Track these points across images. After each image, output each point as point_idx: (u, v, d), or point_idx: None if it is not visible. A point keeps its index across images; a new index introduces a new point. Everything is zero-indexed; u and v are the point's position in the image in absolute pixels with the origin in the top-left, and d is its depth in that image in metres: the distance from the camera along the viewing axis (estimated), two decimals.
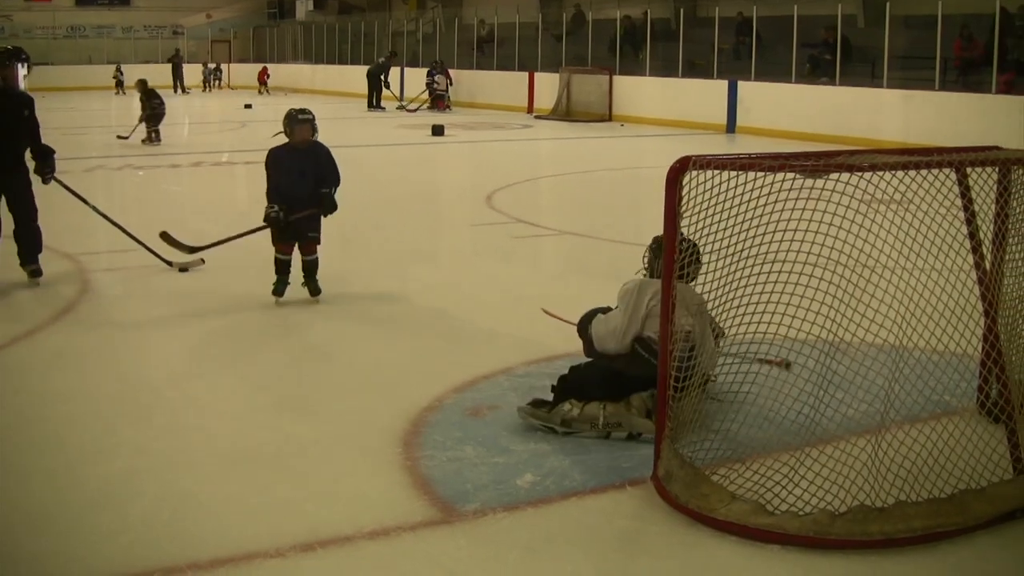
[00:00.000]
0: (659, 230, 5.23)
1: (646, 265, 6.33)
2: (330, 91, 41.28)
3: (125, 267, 10.33)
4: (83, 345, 7.90)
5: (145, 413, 6.35)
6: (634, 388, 6.03)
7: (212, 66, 48.71)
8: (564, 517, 5.00)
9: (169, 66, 46.21)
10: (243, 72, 48.51)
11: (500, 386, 6.72)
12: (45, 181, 9.71)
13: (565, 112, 28.61)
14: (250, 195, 16.72)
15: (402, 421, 6.06)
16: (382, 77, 34.18)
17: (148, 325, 8.49)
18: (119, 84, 44.30)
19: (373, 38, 42.60)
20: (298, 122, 8.84)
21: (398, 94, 34.80)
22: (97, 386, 6.91)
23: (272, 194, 8.84)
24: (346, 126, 28.58)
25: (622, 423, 5.86)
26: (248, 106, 34.45)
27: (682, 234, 5.21)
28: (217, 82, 48.29)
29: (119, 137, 21.97)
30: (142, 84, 22.17)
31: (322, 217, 8.95)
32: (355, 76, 38.20)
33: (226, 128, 28.60)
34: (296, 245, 8.96)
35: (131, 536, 4.71)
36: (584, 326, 6.39)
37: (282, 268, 8.97)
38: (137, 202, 14.94)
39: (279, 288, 8.96)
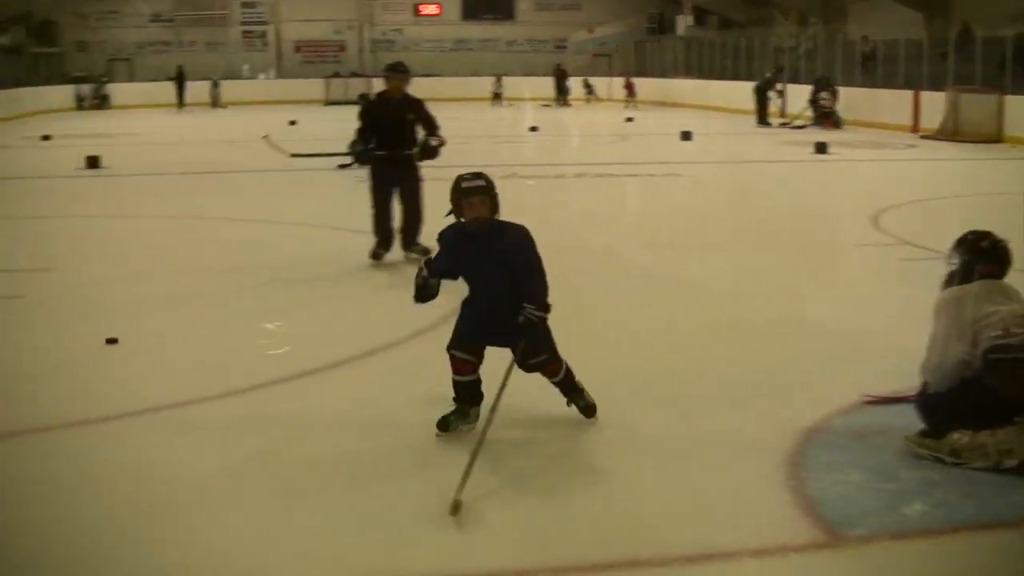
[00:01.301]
0: None
1: (952, 271, 5.92)
2: (710, 106, 41.23)
3: None
4: None
5: None
6: (1016, 406, 5.55)
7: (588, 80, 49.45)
8: (954, 552, 4.84)
9: (551, 79, 47.39)
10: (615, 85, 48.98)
11: (888, 411, 6.53)
12: (421, 157, 11.10)
13: (952, 132, 27.59)
14: (633, 207, 17.03)
15: (787, 440, 6.00)
16: (769, 92, 33.84)
17: None
18: (496, 96, 45.77)
19: (754, 53, 42.30)
20: (465, 193, 6.01)
21: (781, 110, 34.35)
22: None
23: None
24: (730, 142, 28.58)
25: (1013, 450, 5.53)
26: (630, 119, 34.85)
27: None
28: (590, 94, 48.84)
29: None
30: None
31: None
32: (736, 92, 38.07)
33: (606, 141, 29.05)
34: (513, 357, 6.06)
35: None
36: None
37: (461, 394, 6.19)
38: (519, 208, 15.32)
39: (449, 420, 6.15)
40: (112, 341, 8.06)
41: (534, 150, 26.49)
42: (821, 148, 23.48)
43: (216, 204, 16.43)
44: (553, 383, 6.25)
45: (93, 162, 21.23)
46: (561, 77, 47.64)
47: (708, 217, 15.17)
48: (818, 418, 6.34)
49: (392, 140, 10.98)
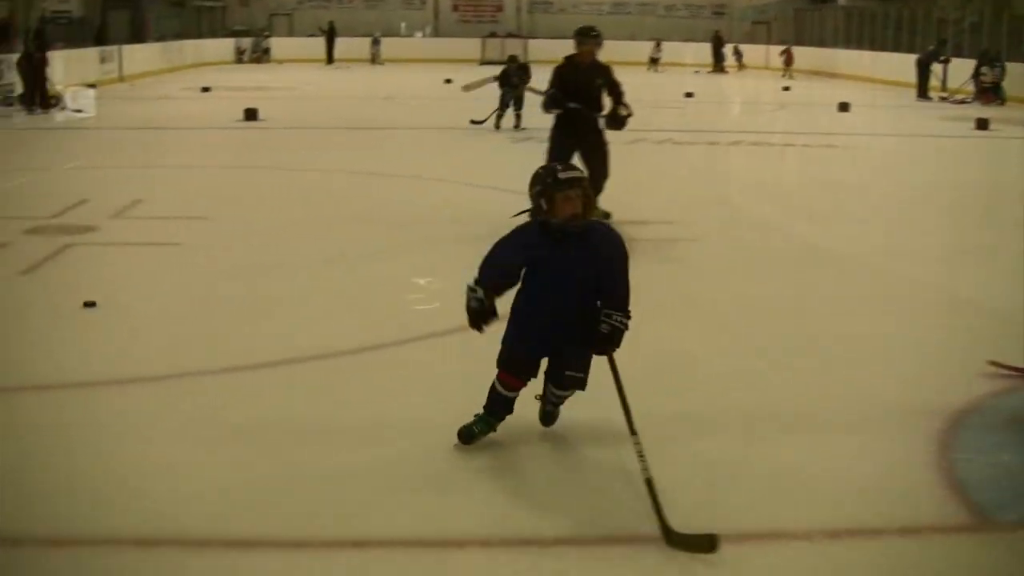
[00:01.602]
0: None
1: None
2: (869, 77, 40.42)
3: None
4: None
5: None
6: None
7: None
8: None
9: (709, 45, 47.05)
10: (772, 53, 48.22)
11: None
12: (610, 126, 10.99)
13: None
14: (788, 177, 16.81)
15: (937, 420, 5.88)
16: (932, 65, 33.02)
17: None
18: (653, 61, 45.51)
19: (917, 25, 41.34)
20: (561, 185, 5.13)
21: (943, 84, 33.47)
22: None
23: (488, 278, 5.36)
24: (889, 114, 28.02)
25: None
26: (787, 88, 34.39)
27: None
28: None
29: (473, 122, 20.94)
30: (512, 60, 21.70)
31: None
32: (896, 64, 37.28)
33: (763, 110, 28.75)
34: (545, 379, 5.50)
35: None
36: None
37: (497, 407, 5.44)
38: (674, 175, 15.27)
39: (473, 431, 5.44)
40: (90, 304, 8.01)
41: (689, 116, 26.27)
42: (982, 124, 22.88)
43: (370, 159, 16.59)
44: (556, 394, 5.48)
45: (251, 114, 21.61)
46: (718, 44, 47.18)
47: (864, 190, 14.90)
48: (970, 399, 6.21)
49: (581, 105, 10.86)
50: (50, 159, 16.36)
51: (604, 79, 11.00)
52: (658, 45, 47.00)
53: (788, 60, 43.93)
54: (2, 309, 8.15)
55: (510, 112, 20.28)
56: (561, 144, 10.90)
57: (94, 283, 8.83)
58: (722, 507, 4.76)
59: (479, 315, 5.27)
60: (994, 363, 6.62)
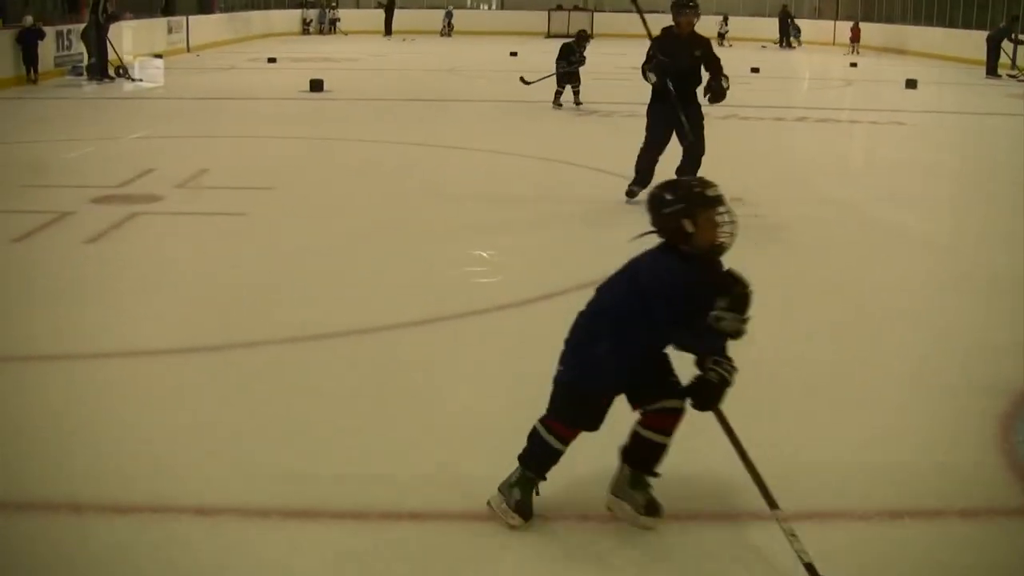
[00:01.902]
0: None
1: None
2: (938, 54, 39.90)
3: None
4: None
5: None
6: None
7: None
8: None
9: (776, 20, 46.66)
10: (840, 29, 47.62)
11: None
12: (712, 100, 10.96)
13: None
14: (857, 154, 16.65)
15: (1001, 402, 5.82)
16: (1001, 43, 32.50)
17: None
18: (721, 36, 45.18)
19: (987, 1, 40.76)
20: (713, 203, 4.29)
21: (1012, 61, 32.94)
22: None
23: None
24: (957, 92, 27.66)
25: None
26: (854, 65, 34.09)
27: None
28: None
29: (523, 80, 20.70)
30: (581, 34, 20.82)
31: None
32: (966, 40, 36.80)
33: (830, 86, 28.52)
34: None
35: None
36: None
37: (549, 464, 4.42)
38: (739, 153, 15.18)
39: (531, 507, 4.41)
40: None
41: (756, 92, 26.08)
42: None
43: (434, 132, 16.59)
44: (649, 438, 4.40)
45: (317, 85, 21.69)
46: (786, 19, 46.73)
47: (932, 169, 14.72)
48: None
49: (679, 79, 10.69)
50: (117, 128, 16.51)
51: (703, 51, 10.84)
52: (725, 20, 46.59)
53: (855, 36, 43.44)
54: (68, 277, 8.24)
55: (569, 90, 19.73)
56: (656, 128, 10.88)
57: (160, 252, 8.95)
58: (781, 488, 4.74)
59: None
60: None
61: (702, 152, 10.72)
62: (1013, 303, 7.98)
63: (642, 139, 10.98)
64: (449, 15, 49.36)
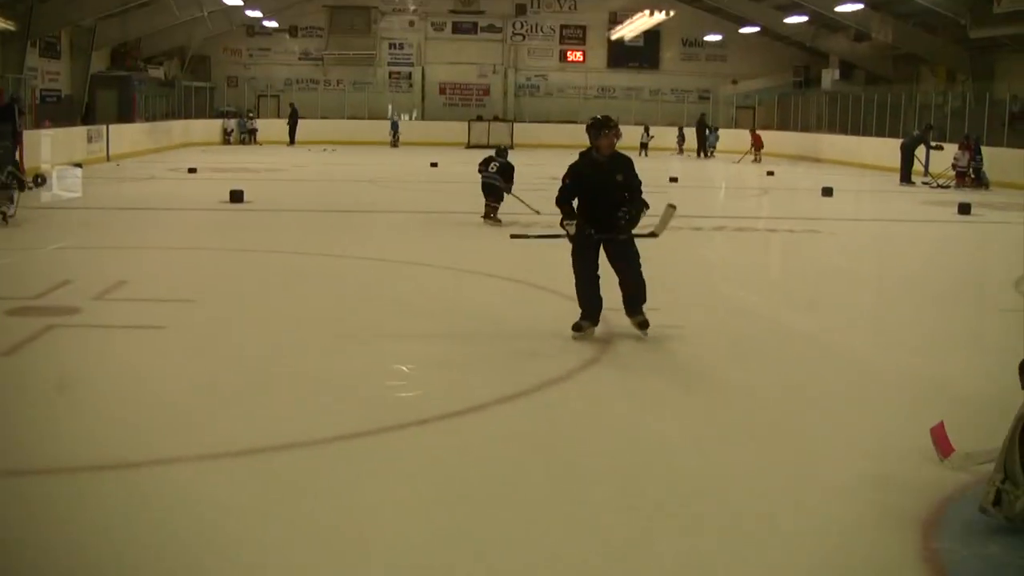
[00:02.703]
0: None
1: None
2: (853, 162, 40.71)
3: None
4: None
5: None
6: None
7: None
8: None
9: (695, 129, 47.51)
10: (769, 140, 48.52)
11: None
12: (620, 230, 9.88)
13: None
14: (774, 262, 16.84)
15: (922, 507, 5.84)
16: (917, 150, 33.34)
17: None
18: (643, 146, 45.82)
19: (900, 110, 41.73)
20: None
21: (925, 169, 33.67)
22: None
23: None
24: (872, 199, 28.18)
25: None
26: (771, 173, 34.67)
27: None
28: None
29: None
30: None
31: None
32: (881, 148, 37.62)
33: (747, 195, 28.94)
34: None
35: None
36: None
37: None
38: (657, 261, 15.28)
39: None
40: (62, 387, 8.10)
41: (674, 201, 26.36)
42: (964, 209, 23.04)
43: (354, 243, 16.62)
44: None
45: (237, 196, 21.64)
46: (703, 129, 47.71)
47: (847, 275, 14.94)
48: (955, 485, 6.18)
49: (602, 208, 9.85)
50: (34, 239, 16.31)
51: (625, 173, 9.92)
52: (647, 130, 47.27)
53: (756, 143, 44.33)
54: None
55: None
56: (585, 259, 9.94)
57: (76, 366, 8.80)
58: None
59: None
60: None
61: (640, 285, 9.98)
62: (931, 408, 8.05)
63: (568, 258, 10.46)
64: (395, 126, 49.75)
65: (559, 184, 10.01)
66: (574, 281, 9.99)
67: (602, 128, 9.88)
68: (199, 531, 5.47)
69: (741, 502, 6.03)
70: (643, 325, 9.89)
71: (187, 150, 40.77)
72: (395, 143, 49.04)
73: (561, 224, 9.92)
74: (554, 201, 9.99)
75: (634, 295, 9.96)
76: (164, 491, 6.06)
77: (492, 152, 19.87)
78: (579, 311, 9.95)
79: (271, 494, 6.05)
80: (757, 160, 42.84)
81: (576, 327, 9.86)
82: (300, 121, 49.34)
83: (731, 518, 5.77)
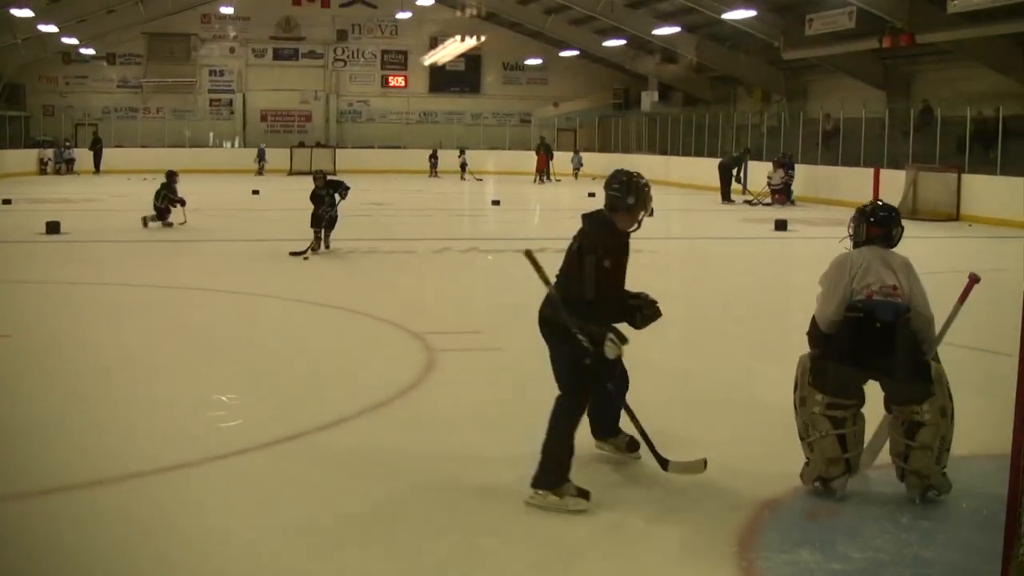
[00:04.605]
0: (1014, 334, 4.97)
1: (850, 234, 6.80)
2: (673, 182, 41.47)
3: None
4: None
5: None
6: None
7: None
8: None
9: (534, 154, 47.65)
10: (590, 161, 49.00)
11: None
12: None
13: (911, 210, 27.74)
14: None
15: (738, 518, 6.00)
16: (735, 171, 34.23)
17: None
18: (462, 167, 45.99)
19: (718, 130, 42.70)
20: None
21: (744, 187, 34.52)
22: None
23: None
24: (695, 218, 28.73)
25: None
26: (592, 194, 35.06)
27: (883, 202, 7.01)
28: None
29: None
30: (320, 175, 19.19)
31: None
32: (699, 168, 38.45)
33: (566, 216, 29.23)
34: None
35: None
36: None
37: None
38: (488, 286, 15.43)
39: None
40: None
41: (495, 224, 26.59)
42: (781, 225, 23.71)
43: (176, 273, 16.38)
44: None
45: (53, 227, 21.15)
46: (548, 152, 47.44)
47: (665, 294, 15.11)
48: (770, 497, 6.36)
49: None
50: None
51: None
52: (462, 153, 47.48)
53: (541, 164, 45.43)
54: None
55: None
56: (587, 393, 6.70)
57: None
58: None
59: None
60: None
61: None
62: (749, 421, 8.27)
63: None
64: (261, 153, 49.02)
65: (588, 264, 6.72)
66: (556, 434, 6.45)
67: (648, 197, 7.26)
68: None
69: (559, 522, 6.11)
70: (633, 446, 7.21)
71: (1, 181, 39.69)
72: (261, 171, 48.09)
73: (598, 344, 6.47)
74: (573, 304, 6.57)
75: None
76: None
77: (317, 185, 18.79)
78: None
79: (88, 530, 5.93)
80: (542, 180, 44.72)
81: (583, 496, 6.27)
82: (119, 150, 48.52)
83: (545, 538, 5.85)
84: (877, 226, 6.72)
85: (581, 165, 48.58)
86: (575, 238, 6.79)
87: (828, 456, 6.38)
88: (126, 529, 5.92)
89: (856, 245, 6.73)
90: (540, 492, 6.20)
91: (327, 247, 18.45)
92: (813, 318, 6.68)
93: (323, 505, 6.27)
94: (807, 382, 6.52)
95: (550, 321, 6.57)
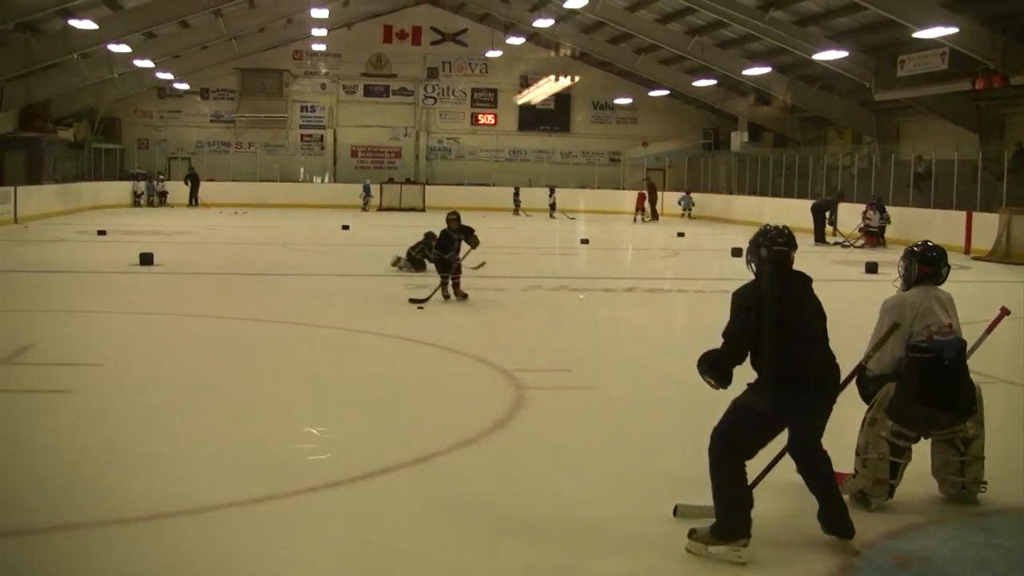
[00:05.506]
0: None
1: (901, 273, 7.45)
2: (763, 222, 41.14)
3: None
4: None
5: None
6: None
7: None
8: None
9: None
10: (673, 201, 49.02)
11: (932, 536, 6.46)
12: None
13: (1005, 253, 27.35)
14: (679, 321, 16.96)
15: (827, 563, 5.93)
16: (827, 213, 33.97)
17: None
18: (552, 206, 46.20)
19: (807, 171, 42.39)
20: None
21: (834, 229, 34.22)
22: None
23: None
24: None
25: None
26: (681, 234, 35.07)
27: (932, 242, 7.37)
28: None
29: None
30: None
31: None
32: (789, 208, 38.19)
33: (657, 256, 29.20)
34: None
35: None
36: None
37: None
38: (577, 324, 15.41)
39: None
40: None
41: (584, 263, 26.60)
42: (872, 268, 23.48)
43: (264, 306, 16.52)
44: None
45: (147, 259, 21.47)
46: (653, 190, 47.54)
47: None
48: (861, 540, 6.26)
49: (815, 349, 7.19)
50: None
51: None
52: (552, 191, 47.66)
53: (640, 204, 45.10)
54: None
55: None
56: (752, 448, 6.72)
57: None
58: None
59: None
60: None
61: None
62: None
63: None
64: (367, 189, 49.65)
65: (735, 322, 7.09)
66: (721, 486, 6.42)
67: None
68: None
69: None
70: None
71: (97, 212, 40.44)
72: (365, 207, 48.83)
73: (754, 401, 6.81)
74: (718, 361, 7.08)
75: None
76: (70, 558, 5.97)
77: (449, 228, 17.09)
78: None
79: (175, 560, 5.98)
80: (641, 220, 44.50)
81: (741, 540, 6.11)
82: (211, 183, 49.27)
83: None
84: (928, 265, 7.27)
85: (692, 205, 48.71)
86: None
87: (877, 477, 6.85)
88: (216, 559, 5.97)
89: (907, 284, 7.34)
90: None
91: (456, 295, 16.94)
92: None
93: (410, 540, 6.27)
94: (883, 407, 6.94)
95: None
